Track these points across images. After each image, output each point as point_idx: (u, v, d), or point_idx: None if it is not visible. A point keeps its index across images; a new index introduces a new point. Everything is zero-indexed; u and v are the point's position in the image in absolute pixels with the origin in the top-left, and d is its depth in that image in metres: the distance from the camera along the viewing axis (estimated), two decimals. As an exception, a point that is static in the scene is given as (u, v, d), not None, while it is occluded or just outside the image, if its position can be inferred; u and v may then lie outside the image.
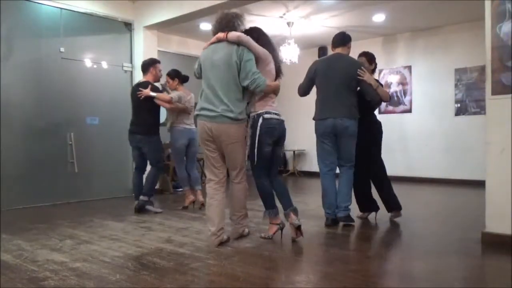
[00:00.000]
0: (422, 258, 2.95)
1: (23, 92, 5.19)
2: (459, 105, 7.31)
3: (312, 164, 9.17)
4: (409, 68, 7.76)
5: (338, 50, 3.92)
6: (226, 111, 3.05)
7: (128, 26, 6.29)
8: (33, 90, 5.27)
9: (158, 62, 4.90)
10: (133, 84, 4.97)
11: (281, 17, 6.70)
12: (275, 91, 3.30)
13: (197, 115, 3.18)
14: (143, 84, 4.67)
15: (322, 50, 8.75)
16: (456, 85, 7.32)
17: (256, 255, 2.93)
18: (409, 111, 7.84)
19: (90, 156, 5.77)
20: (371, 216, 4.22)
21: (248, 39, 3.11)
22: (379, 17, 6.82)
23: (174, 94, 4.73)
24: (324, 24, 7.20)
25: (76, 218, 4.37)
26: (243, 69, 3.06)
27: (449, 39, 7.33)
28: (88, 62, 5.84)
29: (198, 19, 6.31)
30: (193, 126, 4.85)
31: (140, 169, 4.86)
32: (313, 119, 3.91)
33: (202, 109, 3.13)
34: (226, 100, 3.05)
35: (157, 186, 6.32)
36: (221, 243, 3.15)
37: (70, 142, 5.55)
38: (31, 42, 5.26)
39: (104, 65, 6.01)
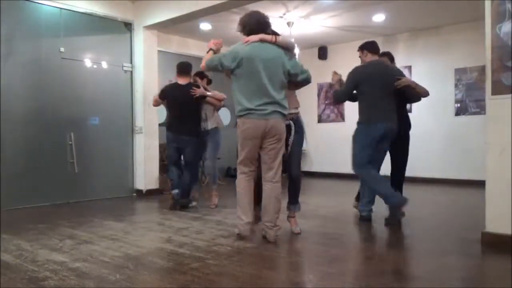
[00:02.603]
0: (422, 258, 2.95)
1: (23, 92, 5.18)
2: (459, 105, 7.31)
3: (312, 164, 9.17)
4: (409, 68, 7.75)
5: (376, 56, 4.10)
6: (279, 107, 3.21)
7: (128, 26, 6.28)
8: (33, 90, 5.26)
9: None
10: (173, 86, 4.97)
11: (281, 17, 6.70)
12: None
13: (248, 113, 3.18)
14: (195, 85, 4.85)
15: (322, 50, 8.76)
16: (456, 85, 7.31)
17: (256, 255, 2.93)
18: (409, 111, 7.80)
19: (90, 156, 5.76)
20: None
21: (293, 45, 3.45)
22: (379, 17, 6.82)
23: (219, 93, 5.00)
24: (324, 24, 7.20)
25: (76, 218, 4.37)
26: (295, 67, 3.33)
27: (449, 39, 7.32)
28: (88, 62, 5.84)
29: (198, 19, 6.30)
30: None
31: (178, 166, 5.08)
32: (360, 122, 3.95)
33: (255, 107, 3.17)
34: (278, 98, 3.20)
35: (157, 186, 6.34)
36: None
37: (70, 142, 5.55)
38: (31, 42, 5.26)
39: (104, 65, 6.01)
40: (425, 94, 4.05)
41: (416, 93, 4.03)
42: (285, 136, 3.31)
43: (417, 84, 4.04)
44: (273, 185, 3.27)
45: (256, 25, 3.29)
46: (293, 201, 3.60)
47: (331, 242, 3.35)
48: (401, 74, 4.11)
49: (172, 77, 5.33)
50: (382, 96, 3.88)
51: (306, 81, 3.42)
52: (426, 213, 4.63)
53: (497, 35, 3.09)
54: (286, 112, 3.26)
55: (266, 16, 3.39)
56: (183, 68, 4.93)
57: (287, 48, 3.30)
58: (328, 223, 4.04)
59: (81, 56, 5.75)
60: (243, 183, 3.34)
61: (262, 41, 3.23)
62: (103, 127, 5.93)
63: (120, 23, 6.20)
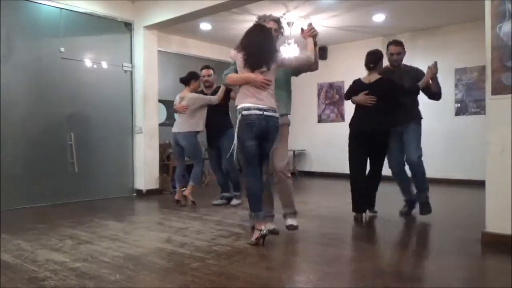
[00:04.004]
0: (422, 258, 2.95)
1: (23, 92, 5.18)
2: (459, 105, 7.31)
3: (312, 164, 9.18)
4: (409, 68, 7.76)
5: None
6: None
7: (128, 26, 6.28)
8: (33, 90, 5.26)
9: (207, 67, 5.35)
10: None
11: (281, 17, 6.69)
12: (245, 82, 3.17)
13: None
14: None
15: (322, 50, 8.75)
16: (456, 85, 7.32)
17: (256, 255, 2.93)
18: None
19: (90, 156, 5.76)
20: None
21: (233, 56, 3.33)
22: (379, 17, 6.82)
23: None
24: (324, 24, 7.19)
25: (76, 218, 4.37)
26: None
27: (449, 39, 7.32)
28: (88, 62, 5.84)
29: (198, 19, 6.30)
30: (177, 130, 5.11)
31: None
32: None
33: None
34: None
35: (157, 186, 6.34)
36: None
37: (70, 142, 5.55)
38: (31, 42, 5.26)
39: (104, 65, 6.01)
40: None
41: None
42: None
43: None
44: None
45: None
46: None
47: (331, 242, 3.34)
48: None
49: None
50: None
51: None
52: (426, 213, 4.63)
53: (497, 35, 3.09)
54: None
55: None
56: None
57: None
58: (328, 223, 4.04)
59: (81, 56, 5.75)
60: None
61: None
62: (103, 127, 5.93)
63: (120, 23, 6.20)
